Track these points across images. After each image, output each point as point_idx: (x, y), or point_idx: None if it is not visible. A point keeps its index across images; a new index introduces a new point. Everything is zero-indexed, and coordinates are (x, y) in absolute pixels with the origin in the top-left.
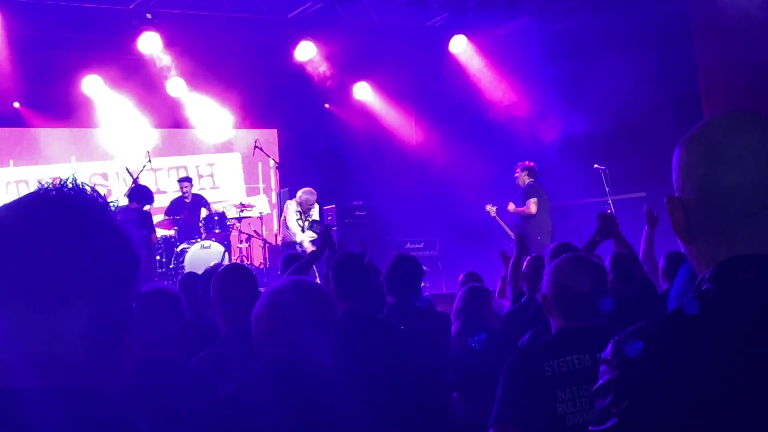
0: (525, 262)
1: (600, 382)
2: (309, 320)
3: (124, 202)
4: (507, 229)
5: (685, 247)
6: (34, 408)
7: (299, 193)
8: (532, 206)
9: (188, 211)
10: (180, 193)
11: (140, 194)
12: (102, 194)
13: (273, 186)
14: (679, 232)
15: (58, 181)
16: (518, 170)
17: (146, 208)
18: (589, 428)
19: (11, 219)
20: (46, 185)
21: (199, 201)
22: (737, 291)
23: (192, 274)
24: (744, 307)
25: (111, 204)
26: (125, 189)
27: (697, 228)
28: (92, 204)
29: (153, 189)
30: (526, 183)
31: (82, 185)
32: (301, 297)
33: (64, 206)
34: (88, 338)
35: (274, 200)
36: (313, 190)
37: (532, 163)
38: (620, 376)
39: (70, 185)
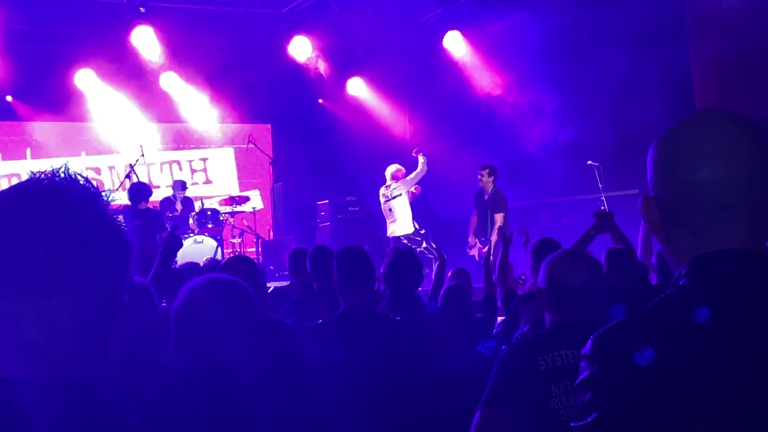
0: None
1: (580, 377)
2: (226, 319)
3: (117, 197)
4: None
5: (662, 246)
6: (24, 399)
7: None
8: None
9: (178, 213)
10: (169, 191)
11: (142, 192)
12: (94, 184)
13: (267, 181)
14: (655, 231)
15: (49, 171)
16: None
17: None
18: (571, 425)
19: (1, 209)
20: (37, 175)
21: (189, 206)
22: (714, 286)
23: (176, 270)
24: (721, 301)
25: (103, 194)
26: (117, 183)
27: (672, 225)
28: (84, 194)
29: (147, 184)
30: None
31: (74, 175)
32: (217, 295)
33: (56, 196)
34: (79, 329)
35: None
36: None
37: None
38: (600, 372)
39: (62, 175)
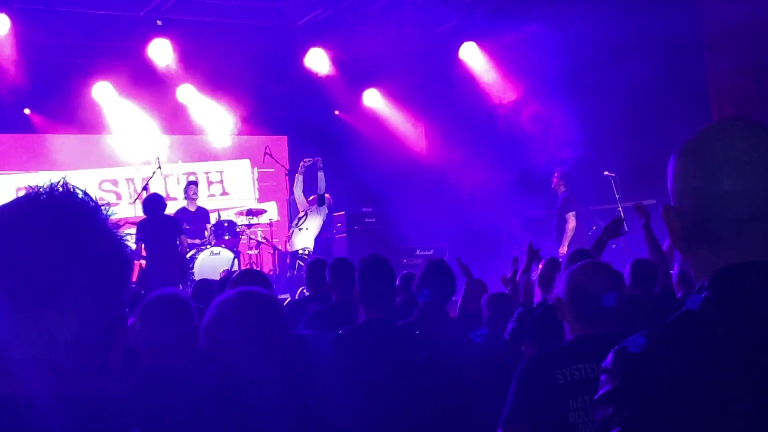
0: (540, 265)
1: (601, 392)
2: (255, 335)
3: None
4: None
5: (682, 257)
6: (28, 415)
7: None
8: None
9: (195, 223)
10: (185, 202)
11: (156, 203)
12: (94, 198)
13: (283, 193)
14: (676, 242)
15: (48, 185)
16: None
17: None
18: None
19: (1, 224)
20: (37, 188)
21: (204, 216)
22: (736, 299)
23: (207, 281)
24: (743, 314)
25: (103, 208)
26: (134, 196)
27: (694, 237)
28: (83, 207)
29: (162, 195)
30: (562, 192)
31: (73, 188)
32: (248, 309)
33: (54, 210)
34: (80, 343)
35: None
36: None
37: (566, 168)
38: (622, 386)
39: (61, 188)
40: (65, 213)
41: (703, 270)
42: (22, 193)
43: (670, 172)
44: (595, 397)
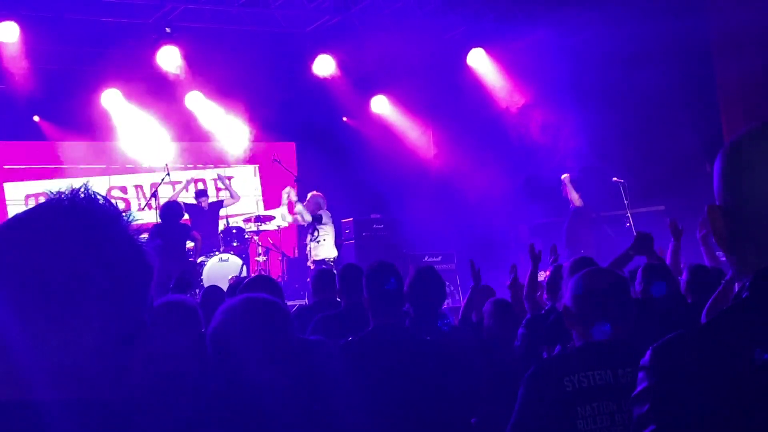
0: (547, 272)
1: (638, 389)
2: (260, 340)
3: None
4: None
5: (726, 256)
6: (49, 421)
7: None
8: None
9: (208, 219)
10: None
11: (173, 210)
12: (115, 204)
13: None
14: (720, 241)
15: (70, 191)
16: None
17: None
18: None
19: (24, 229)
20: (58, 194)
21: (218, 206)
22: None
23: (216, 287)
24: None
25: (124, 214)
26: (144, 202)
27: (738, 237)
28: (105, 214)
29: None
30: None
31: (95, 195)
32: (253, 315)
33: (77, 216)
34: (102, 349)
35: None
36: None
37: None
38: (659, 384)
39: (83, 195)
40: (88, 219)
41: (745, 269)
42: (32, 201)
43: (716, 172)
44: (632, 394)
